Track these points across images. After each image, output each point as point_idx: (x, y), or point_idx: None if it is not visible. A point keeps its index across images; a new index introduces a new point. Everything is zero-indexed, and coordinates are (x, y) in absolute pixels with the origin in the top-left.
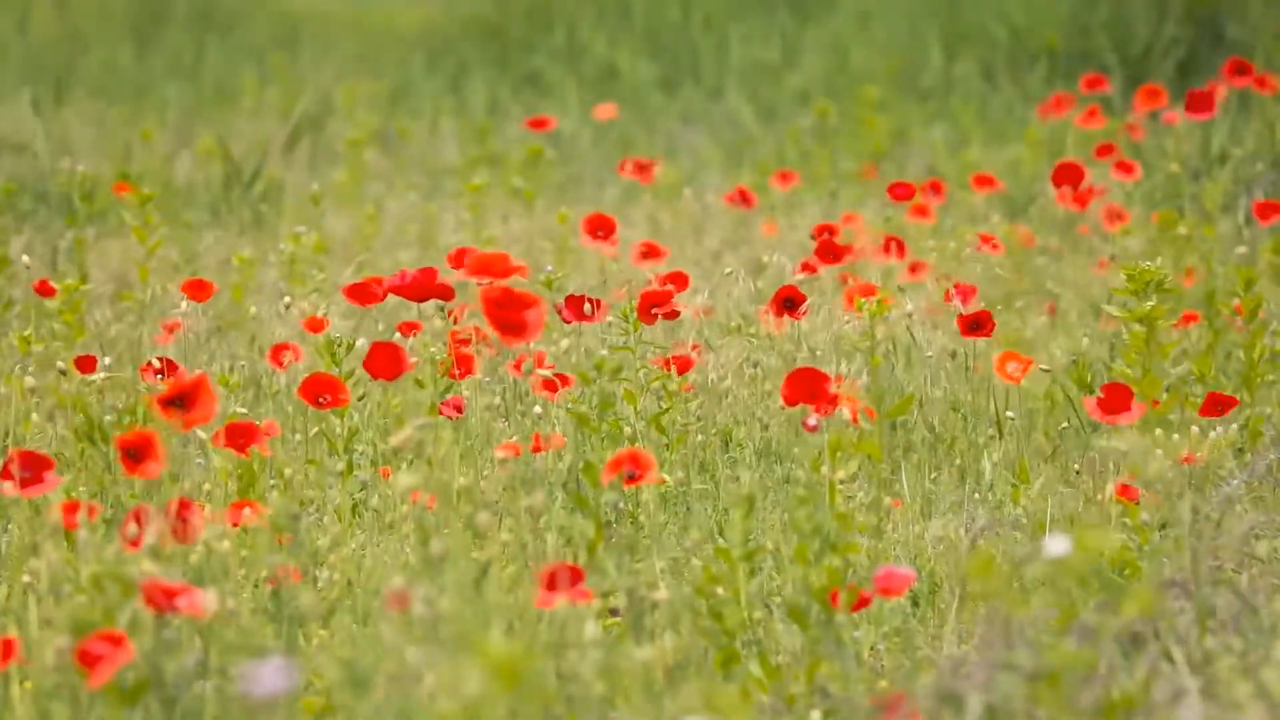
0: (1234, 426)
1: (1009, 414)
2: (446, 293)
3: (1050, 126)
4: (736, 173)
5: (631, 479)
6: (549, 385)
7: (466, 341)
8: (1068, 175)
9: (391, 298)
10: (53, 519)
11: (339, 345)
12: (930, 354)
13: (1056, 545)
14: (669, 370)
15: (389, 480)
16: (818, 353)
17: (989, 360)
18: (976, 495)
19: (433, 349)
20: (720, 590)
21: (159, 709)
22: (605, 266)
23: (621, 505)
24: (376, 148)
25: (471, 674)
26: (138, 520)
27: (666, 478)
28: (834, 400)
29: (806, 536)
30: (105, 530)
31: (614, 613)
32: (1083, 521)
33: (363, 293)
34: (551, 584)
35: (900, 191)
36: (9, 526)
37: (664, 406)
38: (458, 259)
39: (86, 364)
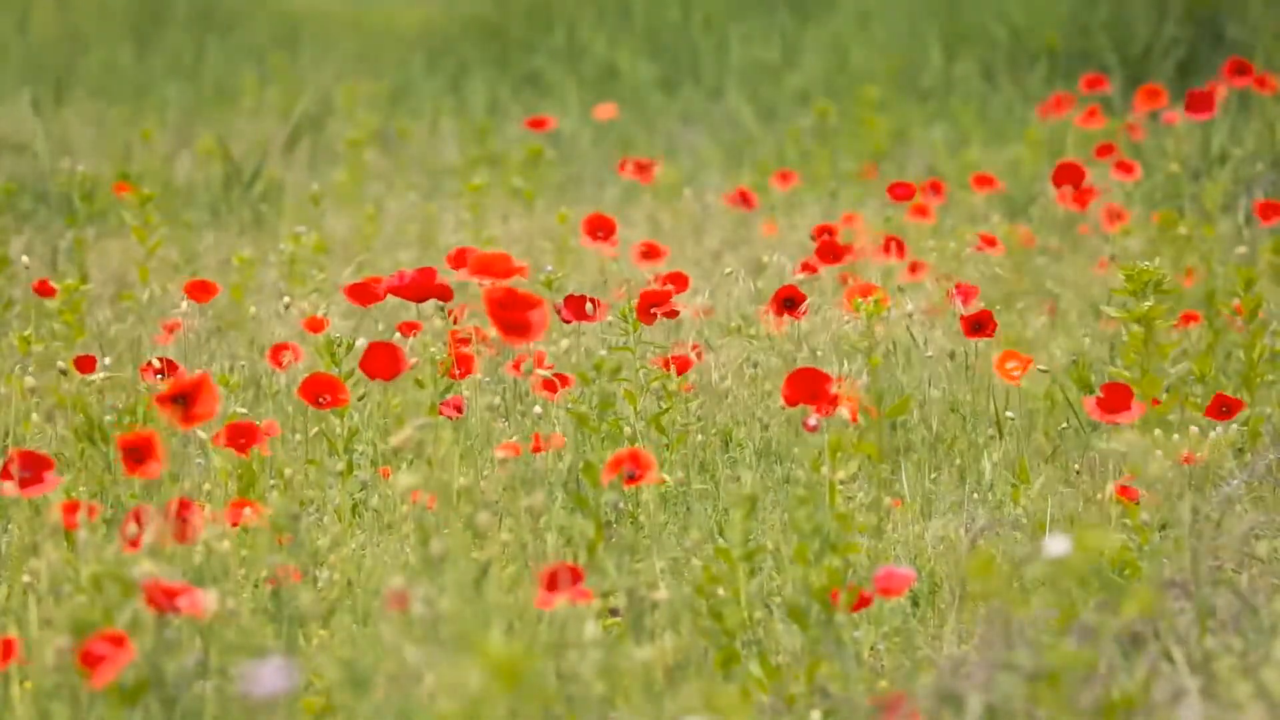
0: (1234, 426)
1: (1009, 414)
2: (445, 293)
3: (1050, 126)
4: (736, 173)
5: (631, 479)
6: (549, 385)
7: (466, 341)
8: (1068, 175)
9: (392, 297)
10: (53, 519)
11: (339, 345)
12: (930, 354)
13: (1056, 545)
14: (669, 370)
15: (389, 480)
16: (818, 353)
17: (989, 360)
18: (976, 495)
19: (433, 349)
20: (720, 590)
21: (159, 709)
22: (605, 266)
23: (621, 505)
24: (376, 148)
25: (472, 674)
26: (138, 520)
27: (666, 478)
28: (834, 400)
29: (806, 536)
30: (105, 530)
31: (614, 613)
32: (1083, 521)
33: (363, 293)
34: (551, 584)
35: (900, 191)
36: (9, 526)
37: (664, 406)
38: (457, 259)
39: (86, 364)
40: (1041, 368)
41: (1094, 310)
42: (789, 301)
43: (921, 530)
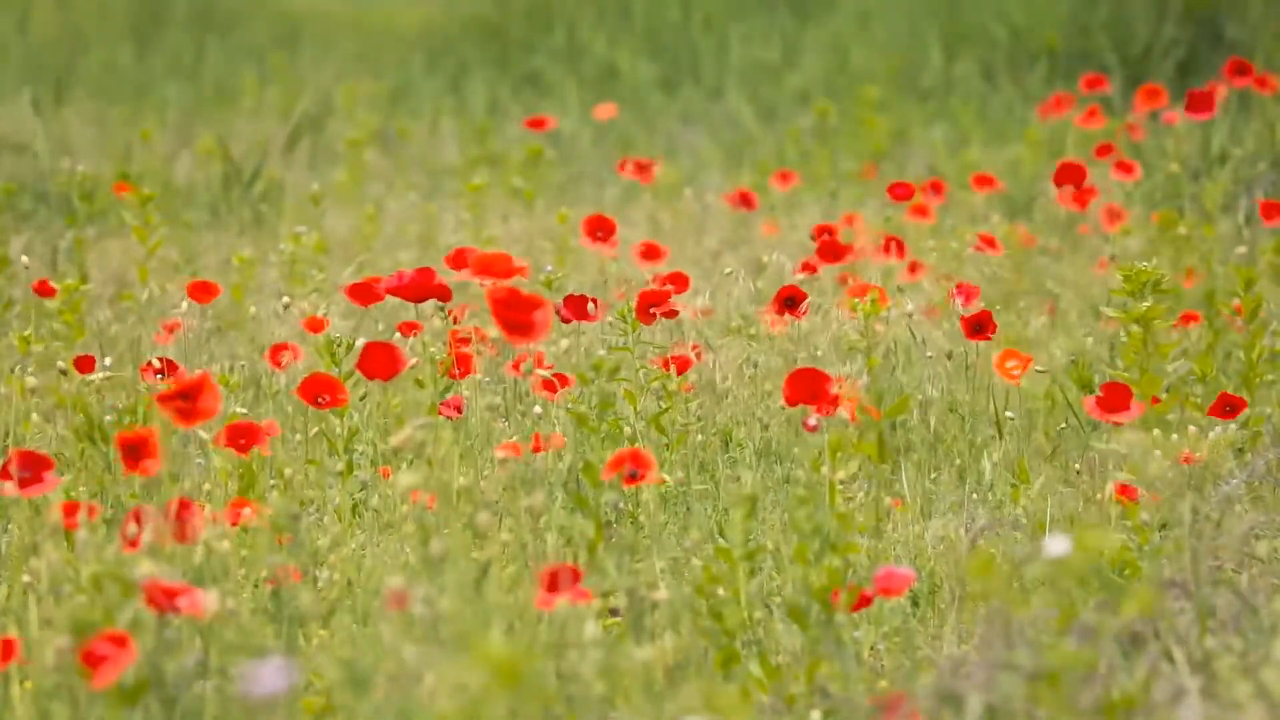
0: (1231, 426)
1: (1009, 414)
2: (444, 293)
3: (1050, 126)
4: (736, 173)
5: (632, 478)
6: (549, 385)
7: (466, 341)
8: (1070, 175)
9: (392, 297)
10: (53, 519)
11: (338, 345)
12: (930, 354)
13: (1056, 545)
14: (668, 370)
15: (389, 480)
16: (818, 353)
17: (989, 360)
18: (976, 495)
19: (432, 349)
20: (720, 590)
21: (159, 709)
22: (605, 267)
23: (621, 505)
24: (376, 148)
25: (472, 674)
26: (137, 520)
27: (666, 478)
28: (835, 400)
29: (806, 536)
30: (105, 530)
31: (614, 613)
32: (1082, 521)
33: (364, 292)
34: (551, 584)
35: (900, 191)
36: (9, 526)
37: (664, 406)
38: (456, 259)
39: (86, 364)
40: (1040, 368)
41: (1094, 310)
42: (790, 301)
43: (921, 530)
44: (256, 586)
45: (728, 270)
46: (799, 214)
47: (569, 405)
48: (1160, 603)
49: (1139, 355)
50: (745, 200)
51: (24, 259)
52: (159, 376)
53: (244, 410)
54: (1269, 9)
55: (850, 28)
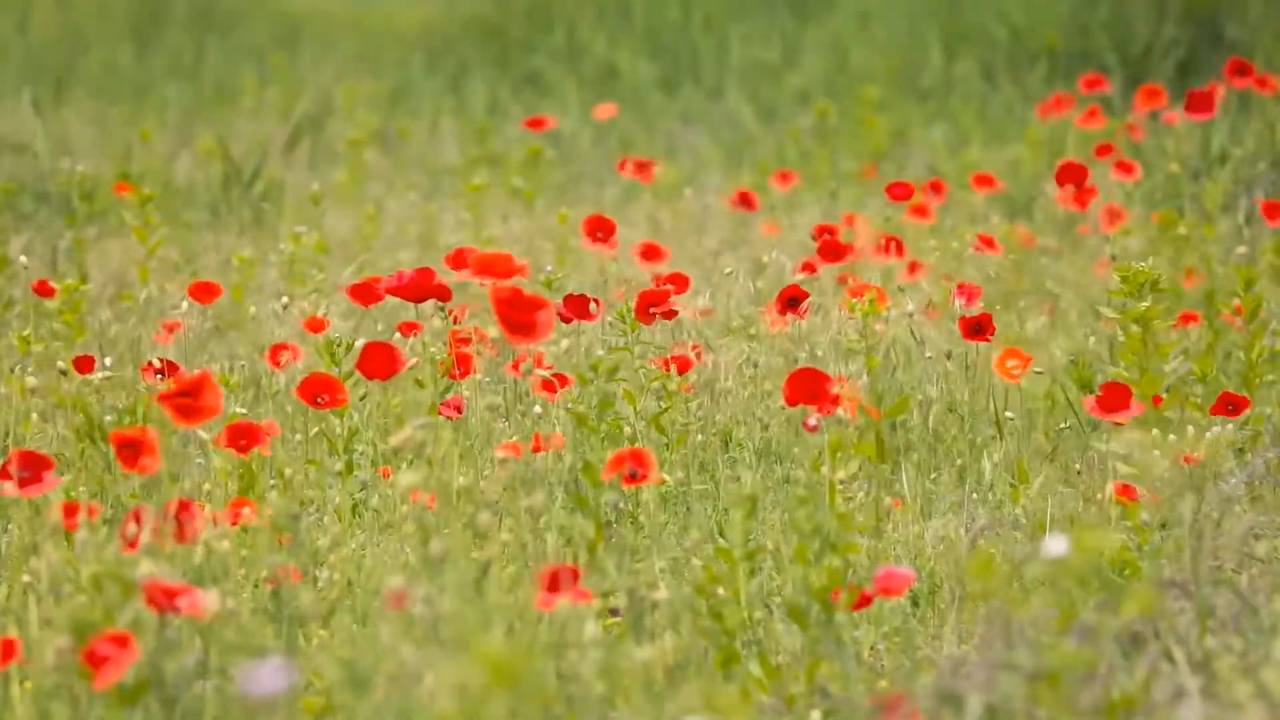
0: (1229, 426)
1: (1009, 414)
2: (444, 293)
3: (1050, 126)
4: (736, 173)
5: (633, 478)
6: (548, 385)
7: (467, 341)
8: (1072, 175)
9: (393, 297)
10: (53, 519)
11: (338, 345)
12: (930, 354)
13: (1055, 545)
14: (668, 371)
15: (389, 480)
16: (818, 353)
17: (989, 360)
18: (976, 495)
19: (432, 349)
20: (720, 590)
21: (159, 709)
22: (605, 267)
23: (621, 505)
24: (376, 148)
25: (472, 674)
26: (137, 520)
27: (666, 478)
28: (835, 400)
29: (806, 536)
30: (105, 530)
31: (614, 613)
32: (1082, 521)
33: (364, 292)
34: (551, 584)
35: (899, 191)
36: (9, 526)
37: (664, 406)
38: (456, 259)
39: (86, 364)
40: (1038, 369)
41: (1094, 310)
42: (792, 300)
43: (921, 530)
44: (256, 586)
45: (728, 270)
46: (799, 214)
47: (569, 405)
48: (1160, 603)
49: (1138, 355)
50: (745, 201)
51: (22, 259)
52: (159, 376)
53: (244, 410)
54: (1269, 9)
55: (850, 28)
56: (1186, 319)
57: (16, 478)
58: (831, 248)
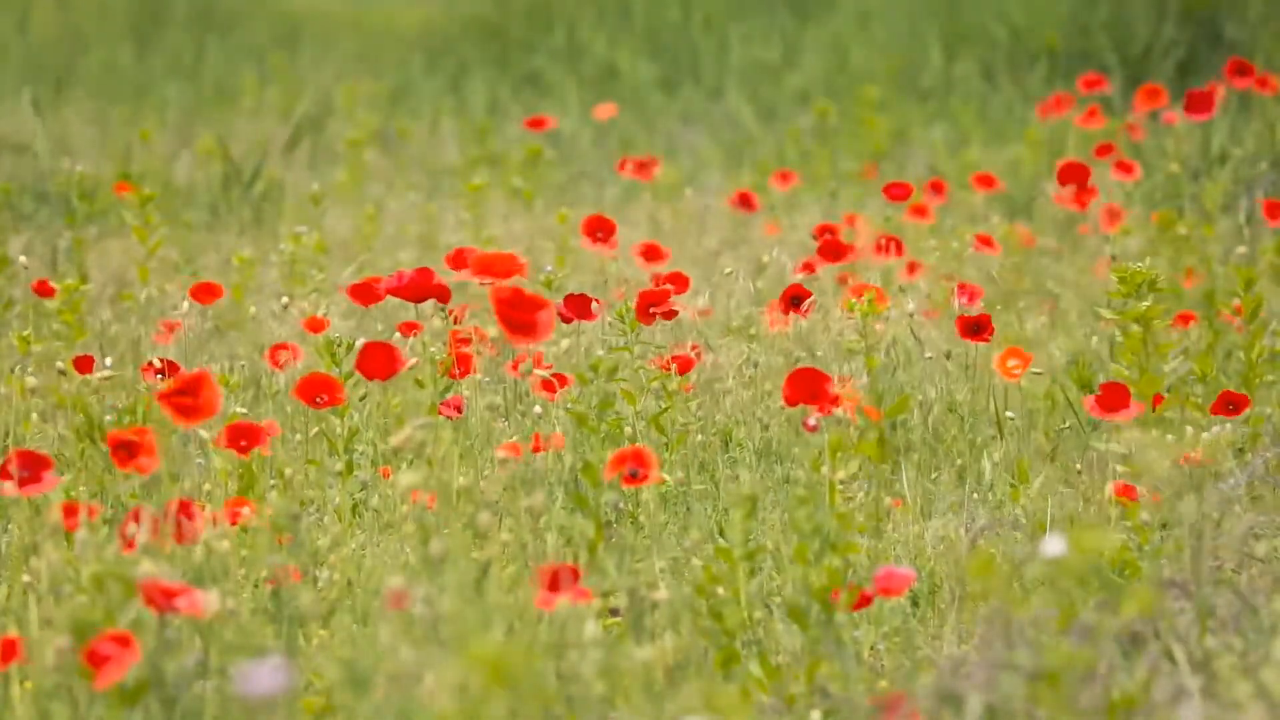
0: (1228, 426)
1: (1009, 414)
2: (443, 293)
3: (1050, 126)
4: (736, 173)
5: (634, 478)
6: (548, 385)
7: (467, 341)
8: (1073, 174)
9: (392, 298)
10: (53, 519)
11: (338, 345)
12: (930, 355)
13: (1054, 545)
14: (668, 371)
15: (389, 480)
16: (818, 353)
17: (989, 360)
18: (976, 495)
19: (432, 349)
20: (720, 590)
21: (159, 709)
22: (605, 267)
23: (621, 505)
24: (376, 148)
25: (472, 674)
26: (138, 520)
27: (666, 478)
28: (835, 400)
29: (806, 536)
30: (105, 530)
31: (614, 613)
32: (1082, 521)
33: (364, 292)
34: (552, 584)
35: (896, 191)
36: (9, 526)
37: (664, 406)
38: (456, 259)
39: (86, 364)
40: (1037, 370)
41: (1094, 310)
42: (795, 299)
43: (921, 530)
44: (256, 586)
45: (728, 270)
46: (799, 214)
47: (569, 405)
48: (1160, 603)
49: (1138, 355)
50: (745, 201)
51: (22, 259)
52: (159, 376)
53: (244, 410)
54: (1269, 9)
55: (850, 28)
56: (1184, 319)
57: (16, 478)
58: (831, 248)
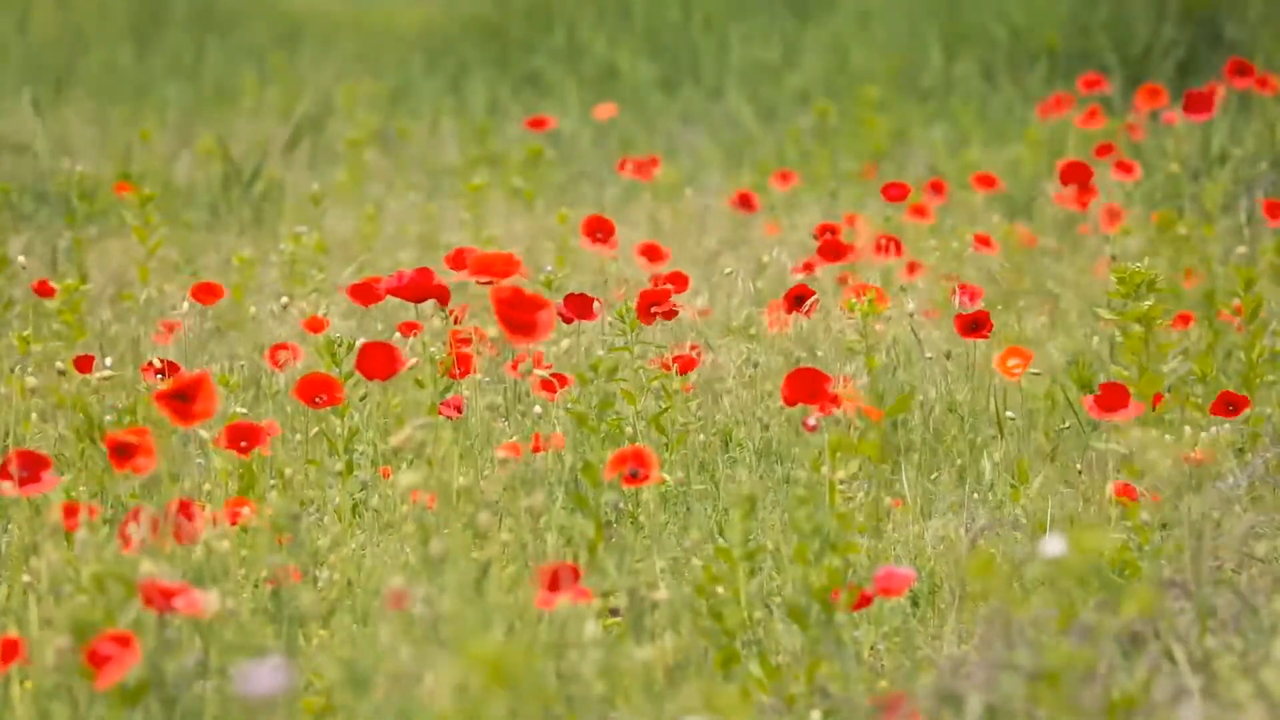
0: (1228, 426)
1: (1009, 414)
2: (443, 293)
3: (1050, 126)
4: (736, 173)
5: (634, 478)
6: (548, 385)
7: (467, 341)
8: (1075, 174)
9: (392, 297)
10: (53, 519)
11: (338, 345)
12: (930, 355)
13: (1054, 545)
14: (669, 371)
15: (389, 480)
16: (818, 353)
17: (989, 360)
18: (976, 495)
19: (432, 349)
20: (720, 590)
21: (159, 709)
22: (605, 267)
23: (621, 505)
24: (376, 148)
25: (472, 674)
26: (138, 520)
27: (666, 478)
28: (834, 400)
29: (806, 536)
30: (105, 530)
31: (614, 613)
32: (1082, 521)
33: (364, 292)
34: (552, 584)
35: (894, 192)
36: (9, 526)
37: (664, 406)
38: (456, 259)
39: (86, 364)
40: (1035, 370)
41: (1094, 310)
42: (798, 299)
43: (921, 530)
44: (256, 586)
45: (728, 270)
46: (799, 214)
47: (569, 405)
48: (1160, 603)
49: (1138, 355)
50: (745, 201)
51: (22, 259)
52: (159, 376)
53: (244, 410)
54: (1269, 9)
55: (850, 28)
56: (1184, 319)
57: (16, 478)
58: (831, 248)
